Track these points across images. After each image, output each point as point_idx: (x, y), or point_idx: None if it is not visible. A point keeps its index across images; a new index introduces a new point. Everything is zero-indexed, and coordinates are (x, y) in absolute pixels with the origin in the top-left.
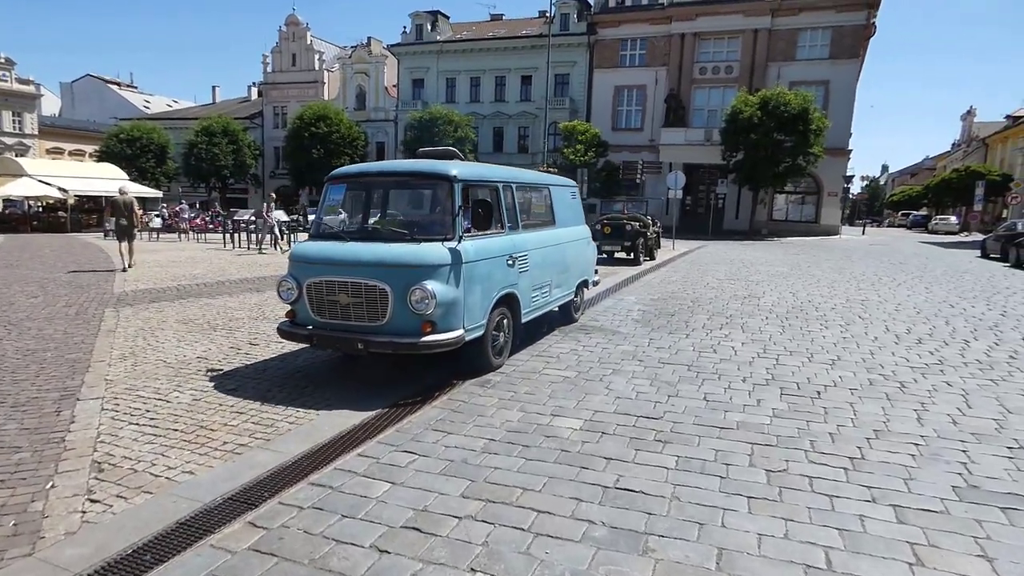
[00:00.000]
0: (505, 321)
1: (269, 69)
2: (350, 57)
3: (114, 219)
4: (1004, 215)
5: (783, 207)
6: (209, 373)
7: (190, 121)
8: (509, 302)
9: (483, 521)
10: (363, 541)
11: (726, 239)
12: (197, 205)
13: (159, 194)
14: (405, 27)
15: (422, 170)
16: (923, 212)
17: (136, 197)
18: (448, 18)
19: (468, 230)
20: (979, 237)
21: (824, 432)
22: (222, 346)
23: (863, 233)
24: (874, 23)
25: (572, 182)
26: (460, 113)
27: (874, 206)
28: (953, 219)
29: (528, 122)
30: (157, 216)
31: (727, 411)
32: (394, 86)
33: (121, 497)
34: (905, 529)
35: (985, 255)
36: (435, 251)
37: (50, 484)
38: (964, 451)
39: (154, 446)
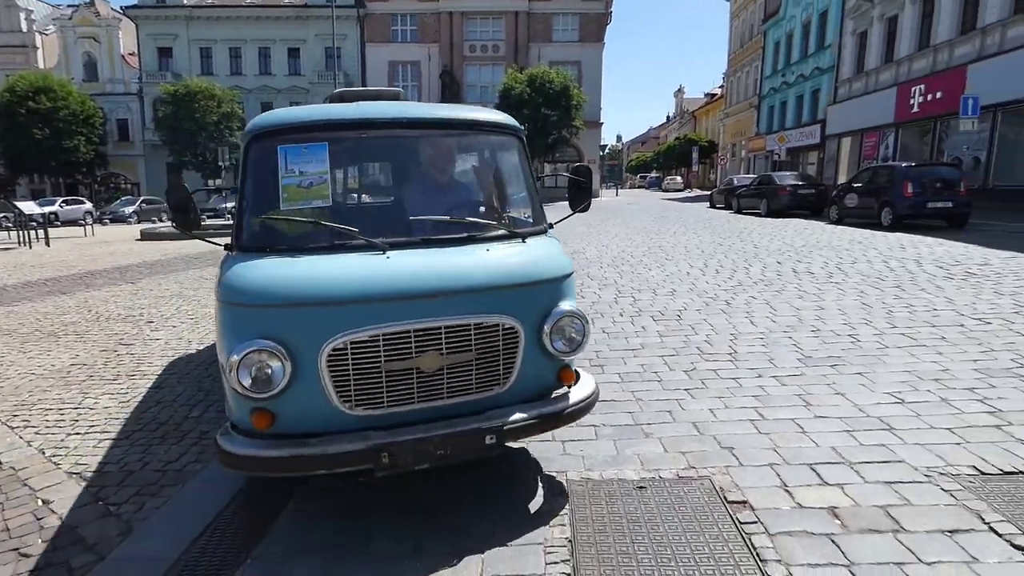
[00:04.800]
0: None
1: None
2: (71, 19)
3: None
4: (712, 175)
5: (552, 176)
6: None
7: None
8: None
9: None
10: None
11: None
12: None
13: None
14: None
15: (477, 119)
16: (655, 174)
17: None
18: None
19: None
20: (699, 192)
21: (701, 340)
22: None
23: (617, 195)
24: (611, 11)
25: None
26: (222, 86)
27: (614, 171)
28: (679, 179)
29: (300, 97)
30: None
31: (627, 338)
32: (132, 54)
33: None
34: (788, 389)
35: (712, 206)
36: (553, 250)
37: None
38: (790, 338)
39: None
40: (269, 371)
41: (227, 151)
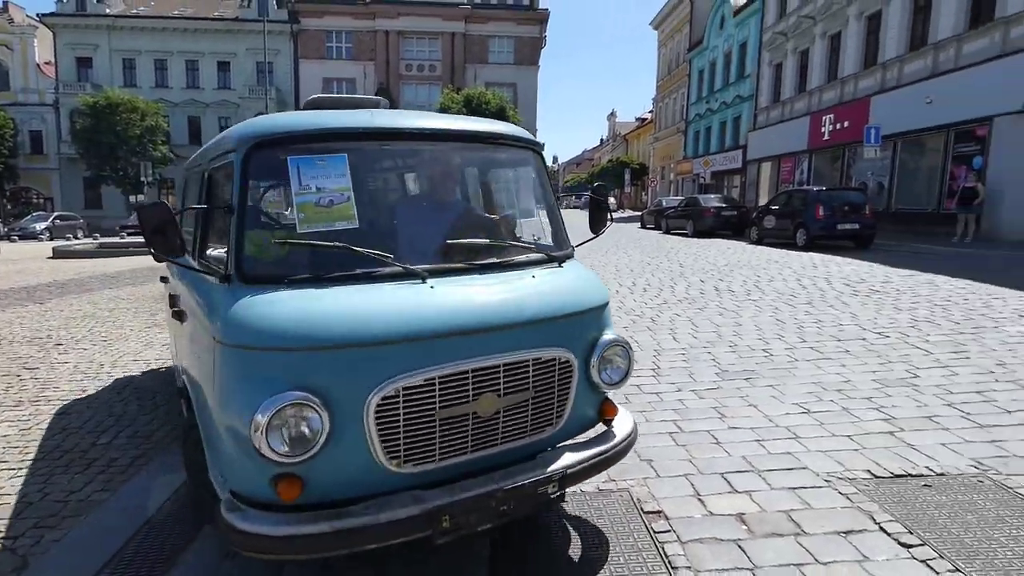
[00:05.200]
0: None
1: None
2: None
3: None
4: (644, 196)
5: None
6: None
7: None
8: None
9: None
10: None
11: None
12: None
13: None
14: None
15: (502, 132)
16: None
17: None
18: None
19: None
20: (631, 213)
21: None
22: None
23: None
24: (545, 36)
25: None
26: (146, 99)
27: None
28: (612, 200)
29: (230, 112)
30: None
31: None
32: (48, 63)
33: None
34: (705, 402)
35: (643, 226)
36: (591, 275)
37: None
38: (709, 353)
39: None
40: (305, 429)
41: (150, 166)
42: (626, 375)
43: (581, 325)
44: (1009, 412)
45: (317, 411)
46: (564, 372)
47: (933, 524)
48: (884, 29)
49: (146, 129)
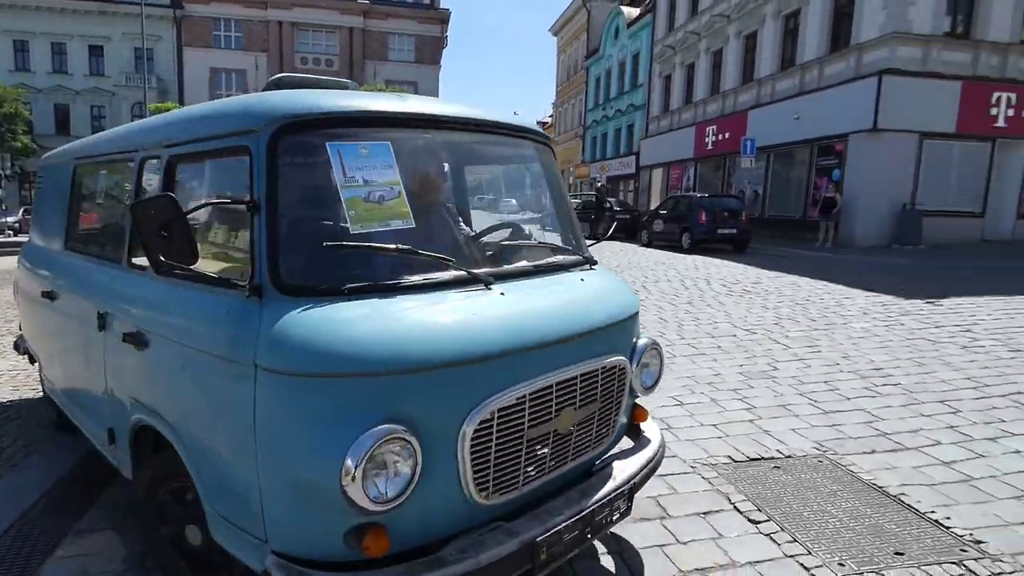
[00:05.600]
0: None
1: None
2: None
3: None
4: None
5: None
6: None
7: None
8: None
9: None
10: None
11: None
12: None
13: None
14: None
15: (525, 127)
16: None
17: None
18: None
19: None
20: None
21: None
22: None
23: None
24: (447, 36)
25: None
26: (3, 84)
27: None
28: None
29: (104, 100)
30: None
31: None
32: None
33: None
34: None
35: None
36: (618, 278)
37: None
38: None
39: None
40: (404, 468)
41: (8, 158)
42: (658, 378)
43: (627, 330)
44: (848, 399)
45: (411, 444)
46: (621, 379)
47: (779, 501)
48: (760, 48)
49: (3, 116)
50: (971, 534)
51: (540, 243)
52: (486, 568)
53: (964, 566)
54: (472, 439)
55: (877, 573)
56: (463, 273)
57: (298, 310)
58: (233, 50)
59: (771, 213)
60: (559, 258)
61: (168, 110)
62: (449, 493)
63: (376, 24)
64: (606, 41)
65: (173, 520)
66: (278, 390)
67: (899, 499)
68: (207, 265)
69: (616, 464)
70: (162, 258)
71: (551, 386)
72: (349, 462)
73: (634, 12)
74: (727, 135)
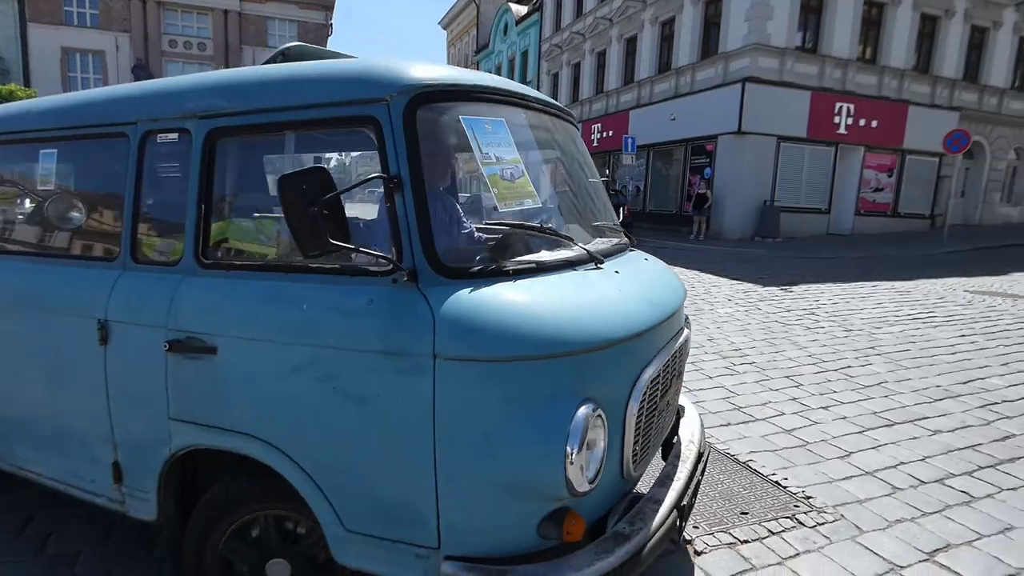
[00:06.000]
0: None
1: None
2: None
3: None
4: None
5: None
6: None
7: None
8: None
9: None
10: None
11: None
12: None
13: None
14: None
15: (564, 107)
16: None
17: None
18: None
19: None
20: None
21: None
22: None
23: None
24: (332, 24)
25: None
26: None
27: None
28: None
29: None
30: None
31: None
32: None
33: None
34: None
35: None
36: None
37: None
38: None
39: None
40: (601, 446)
41: None
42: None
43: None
44: (711, 378)
45: (603, 421)
46: (688, 351)
47: None
48: (639, 52)
49: None
50: (803, 491)
51: (603, 224)
52: (655, 538)
53: (796, 519)
54: (637, 418)
55: (725, 531)
56: (583, 252)
57: (468, 291)
58: (88, 28)
59: (651, 207)
60: (621, 239)
61: (11, 93)
62: (613, 468)
63: (254, 8)
64: (495, 37)
65: (243, 559)
66: (471, 379)
67: (747, 465)
68: (253, 251)
69: (684, 434)
70: (308, 240)
71: (673, 356)
72: (569, 446)
73: (523, 10)
74: (611, 133)
